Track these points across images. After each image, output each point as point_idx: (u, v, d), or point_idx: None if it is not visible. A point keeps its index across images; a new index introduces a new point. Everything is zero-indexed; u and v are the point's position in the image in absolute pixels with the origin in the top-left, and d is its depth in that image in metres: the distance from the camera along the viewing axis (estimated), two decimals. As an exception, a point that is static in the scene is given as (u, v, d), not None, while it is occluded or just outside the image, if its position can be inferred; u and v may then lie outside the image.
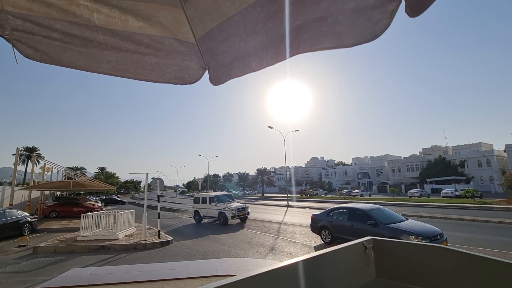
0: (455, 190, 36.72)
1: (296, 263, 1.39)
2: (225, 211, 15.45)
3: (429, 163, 53.95)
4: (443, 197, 36.57)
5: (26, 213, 14.22)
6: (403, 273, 1.72)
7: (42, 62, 1.41)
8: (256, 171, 71.31)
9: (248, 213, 16.88)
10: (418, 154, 63.84)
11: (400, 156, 67.11)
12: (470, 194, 30.15)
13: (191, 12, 1.42)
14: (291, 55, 1.27)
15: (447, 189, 39.14)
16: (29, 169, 48.89)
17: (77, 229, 12.53)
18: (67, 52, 1.42)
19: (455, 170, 49.96)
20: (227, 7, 1.32)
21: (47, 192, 26.12)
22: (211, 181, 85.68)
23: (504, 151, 49.13)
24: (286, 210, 25.22)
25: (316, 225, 10.64)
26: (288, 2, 1.17)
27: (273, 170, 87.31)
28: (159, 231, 11.56)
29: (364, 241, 1.82)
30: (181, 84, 1.62)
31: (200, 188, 32.24)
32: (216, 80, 1.61)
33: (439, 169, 50.68)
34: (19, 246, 10.67)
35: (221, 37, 1.45)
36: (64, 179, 28.44)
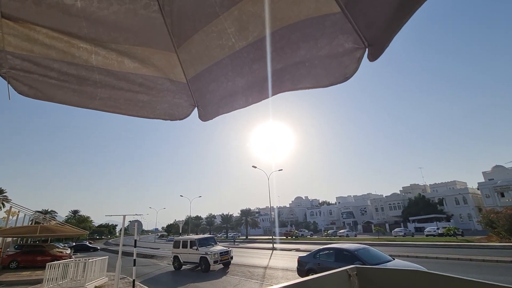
0: (438, 228, 37.10)
1: None
2: (207, 256, 14.52)
3: (410, 201, 54.93)
4: (427, 235, 36.67)
5: (-18, 264, 12.69)
6: None
7: (36, 99, 1.44)
8: (240, 212, 69.17)
9: (232, 257, 15.94)
10: (399, 192, 65.18)
11: (382, 195, 68.17)
12: (452, 232, 30.51)
13: (183, 56, 1.57)
14: (274, 93, 1.42)
15: (430, 228, 39.44)
16: (-9, 214, 44.65)
17: (39, 281, 11.20)
18: (62, 90, 1.47)
19: (435, 208, 51.00)
20: (217, 53, 1.48)
21: (9, 239, 23.65)
22: (193, 224, 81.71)
23: (478, 188, 51.29)
24: (272, 253, 24.12)
25: (303, 268, 10.20)
26: (271, 49, 1.34)
27: (257, 210, 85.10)
28: (133, 281, 10.55)
29: (348, 268, 1.82)
30: (171, 120, 1.70)
31: (180, 231, 30.42)
32: (204, 116, 1.71)
33: (419, 207, 51.57)
34: (-32, 303, 9.33)
35: (211, 78, 1.59)
36: (31, 223, 26.09)
